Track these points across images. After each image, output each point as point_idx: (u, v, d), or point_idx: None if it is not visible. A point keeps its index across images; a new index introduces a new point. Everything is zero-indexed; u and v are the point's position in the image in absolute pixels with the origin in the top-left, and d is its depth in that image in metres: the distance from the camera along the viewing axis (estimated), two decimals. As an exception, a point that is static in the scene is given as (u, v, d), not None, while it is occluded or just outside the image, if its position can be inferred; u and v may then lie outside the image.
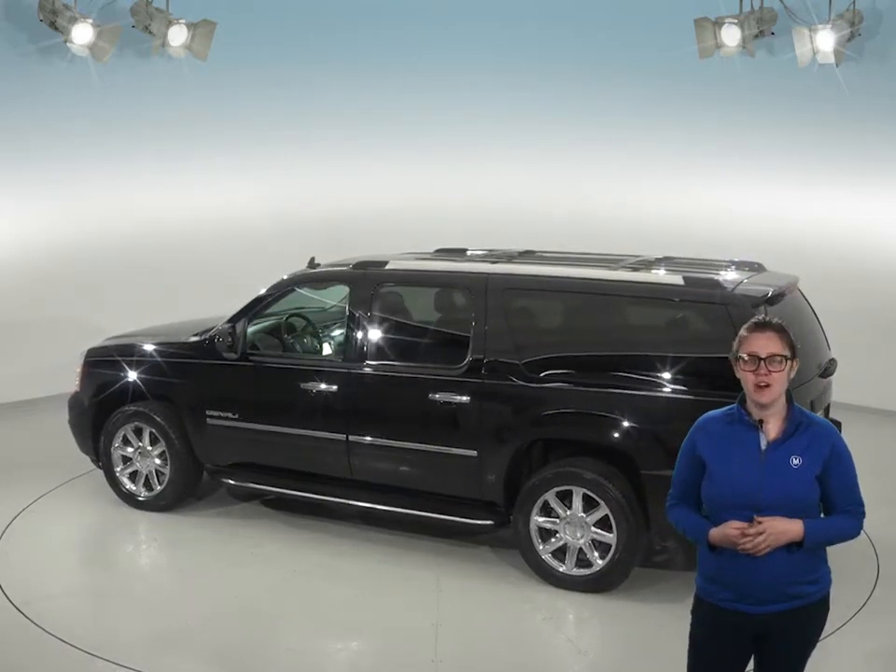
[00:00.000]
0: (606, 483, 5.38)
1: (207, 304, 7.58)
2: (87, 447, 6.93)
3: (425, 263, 6.48)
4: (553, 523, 5.56)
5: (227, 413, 6.39)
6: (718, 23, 8.92)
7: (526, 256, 6.62)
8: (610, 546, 5.42)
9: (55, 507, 6.83)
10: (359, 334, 6.05)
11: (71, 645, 4.88)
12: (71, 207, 9.64)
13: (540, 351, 5.66)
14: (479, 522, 5.85)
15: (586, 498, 5.46)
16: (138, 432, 6.68)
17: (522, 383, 5.59)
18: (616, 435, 5.37)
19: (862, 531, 3.26)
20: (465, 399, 5.68)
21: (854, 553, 5.11)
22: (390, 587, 5.65)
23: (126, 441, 6.73)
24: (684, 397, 5.22)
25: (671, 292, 5.53)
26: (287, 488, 6.38)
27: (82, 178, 9.61)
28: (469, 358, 5.73)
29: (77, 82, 9.18)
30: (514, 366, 5.62)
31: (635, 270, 5.90)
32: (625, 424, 5.34)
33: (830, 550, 3.26)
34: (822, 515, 3.20)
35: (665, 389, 5.28)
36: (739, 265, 6.10)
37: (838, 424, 5.19)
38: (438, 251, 6.97)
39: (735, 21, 8.88)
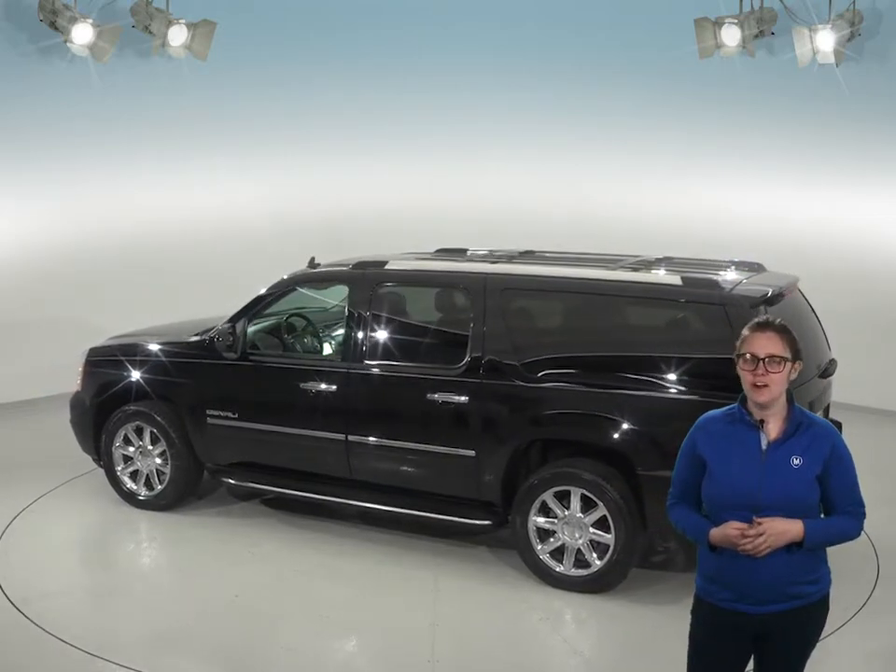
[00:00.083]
0: (604, 483, 5.38)
1: (207, 304, 7.59)
2: (88, 446, 6.94)
3: (424, 263, 6.49)
4: (552, 523, 5.56)
5: (227, 412, 6.40)
6: (718, 23, 8.92)
7: (527, 256, 6.62)
8: (608, 547, 5.42)
9: (55, 507, 6.83)
10: (358, 334, 6.06)
11: (71, 645, 4.88)
12: (71, 207, 9.64)
13: (539, 351, 5.66)
14: (477, 522, 5.85)
15: (584, 499, 5.46)
16: (139, 431, 6.69)
17: (520, 383, 5.59)
18: (614, 435, 5.37)
19: (863, 531, 3.26)
20: (463, 399, 5.69)
21: (854, 553, 5.11)
22: (389, 587, 5.66)
23: (127, 441, 6.74)
24: (683, 397, 5.22)
25: (669, 292, 5.53)
26: (286, 488, 6.38)
27: (82, 178, 9.62)
28: (467, 358, 5.73)
29: (77, 82, 9.18)
30: (513, 366, 5.62)
31: (634, 270, 5.90)
32: (623, 424, 5.33)
33: (830, 550, 3.25)
34: (822, 516, 3.21)
35: (663, 390, 5.27)
36: (739, 265, 6.09)
37: (839, 424, 5.19)
38: (438, 251, 6.98)
39: (735, 20, 8.88)
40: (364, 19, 10.26)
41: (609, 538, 5.41)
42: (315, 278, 6.61)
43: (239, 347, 6.36)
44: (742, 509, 3.09)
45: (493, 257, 6.59)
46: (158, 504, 6.70)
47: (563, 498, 5.53)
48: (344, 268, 6.38)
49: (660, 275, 5.82)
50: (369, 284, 6.14)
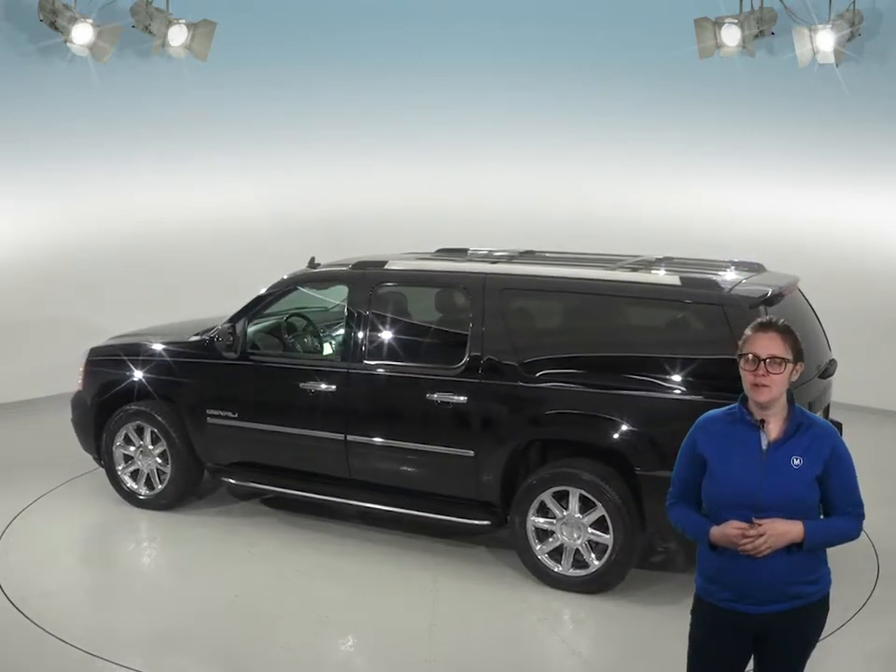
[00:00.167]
0: (602, 483, 5.38)
1: (207, 304, 7.59)
2: (89, 446, 6.96)
3: (423, 263, 6.49)
4: (550, 523, 5.56)
5: (227, 412, 6.40)
6: (718, 23, 8.92)
7: (527, 256, 6.62)
8: (607, 547, 5.42)
9: (55, 506, 6.83)
10: (358, 334, 6.06)
11: (71, 645, 4.88)
12: (71, 207, 9.64)
13: (538, 351, 5.66)
14: (476, 522, 5.85)
15: (583, 499, 5.46)
16: (140, 431, 6.70)
17: (519, 383, 5.59)
18: (612, 435, 5.37)
19: (862, 531, 3.26)
20: (462, 399, 5.68)
21: (854, 553, 5.10)
22: (389, 587, 5.66)
23: (128, 440, 6.75)
24: (681, 397, 5.22)
25: (668, 292, 5.53)
26: (286, 488, 6.38)
27: (82, 178, 9.62)
28: (466, 358, 5.73)
29: (77, 82, 9.18)
30: (512, 366, 5.62)
31: (633, 270, 5.90)
32: (622, 424, 5.33)
33: (830, 550, 3.25)
34: (822, 516, 3.21)
35: (662, 390, 5.26)
36: (739, 265, 6.09)
37: (839, 425, 5.19)
38: (439, 251, 6.98)
39: (735, 21, 8.88)
40: (364, 19, 10.26)
41: (607, 538, 5.41)
42: (315, 278, 6.62)
43: (239, 347, 6.36)
44: (742, 509, 3.09)
45: (492, 257, 6.59)
46: (158, 504, 6.70)
47: (561, 499, 5.52)
48: (344, 268, 6.38)
49: (659, 276, 5.82)
50: (368, 284, 6.14)
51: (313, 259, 6.71)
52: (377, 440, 5.96)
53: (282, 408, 6.28)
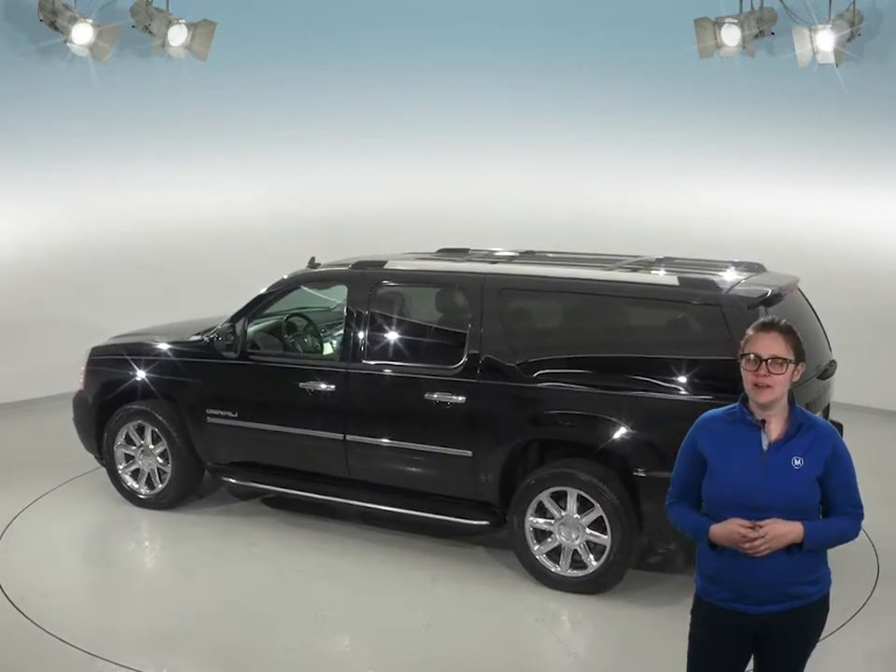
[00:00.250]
0: (600, 484, 5.37)
1: (207, 304, 7.59)
2: (91, 445, 6.97)
3: (422, 263, 6.49)
4: (549, 524, 5.56)
5: (227, 411, 6.41)
6: (718, 23, 8.91)
7: (527, 256, 6.62)
8: (605, 548, 5.41)
9: (56, 506, 6.84)
10: (357, 334, 6.06)
11: (70, 644, 4.88)
12: (71, 207, 9.64)
13: (536, 351, 5.66)
14: (475, 522, 5.85)
15: (581, 500, 5.46)
16: (140, 430, 6.71)
17: (517, 383, 5.59)
18: (610, 436, 5.36)
19: (862, 531, 3.27)
20: (460, 399, 5.68)
21: (854, 553, 5.09)
22: (388, 587, 5.66)
23: (128, 440, 6.76)
24: (680, 398, 5.21)
25: (667, 293, 5.53)
26: (286, 487, 6.39)
27: (82, 178, 9.62)
28: (464, 358, 5.73)
29: (77, 82, 9.18)
30: (510, 366, 5.62)
31: (632, 270, 5.90)
32: (620, 425, 5.32)
33: (830, 550, 3.26)
34: (821, 517, 3.21)
35: (661, 390, 5.26)
36: (739, 266, 6.08)
37: (839, 426, 5.19)
38: (440, 251, 6.99)
39: (735, 21, 8.88)
40: (364, 19, 10.26)
41: (605, 538, 5.41)
42: (315, 278, 6.62)
43: (239, 347, 6.37)
44: (742, 509, 3.09)
45: (492, 257, 6.59)
46: (159, 503, 6.71)
47: (560, 499, 5.52)
48: (344, 268, 6.38)
49: (658, 276, 5.82)
50: (368, 284, 6.14)
51: (313, 258, 6.71)
52: (376, 439, 5.96)
53: (281, 408, 6.29)
